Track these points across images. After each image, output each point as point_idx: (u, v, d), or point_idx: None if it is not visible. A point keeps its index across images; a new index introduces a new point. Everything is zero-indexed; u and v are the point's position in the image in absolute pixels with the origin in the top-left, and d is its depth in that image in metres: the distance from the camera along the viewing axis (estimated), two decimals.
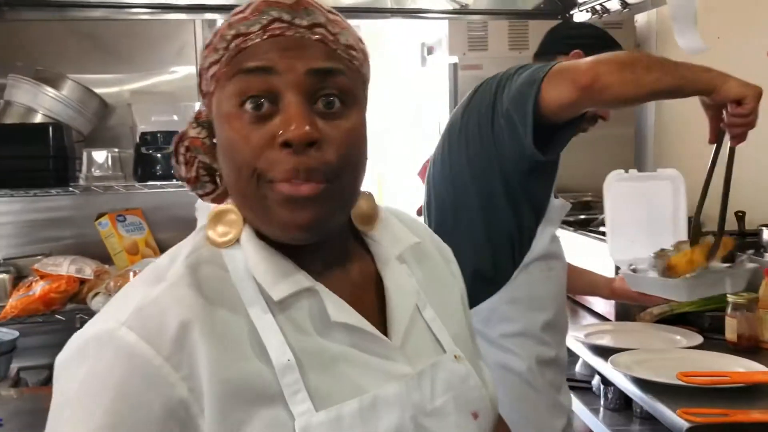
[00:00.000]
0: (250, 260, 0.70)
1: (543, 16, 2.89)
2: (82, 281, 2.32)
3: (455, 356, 0.79)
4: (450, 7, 2.83)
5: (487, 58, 2.85)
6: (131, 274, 2.25)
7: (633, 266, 1.71)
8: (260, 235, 0.72)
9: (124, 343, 0.64)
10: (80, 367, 0.65)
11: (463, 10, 2.86)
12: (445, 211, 1.62)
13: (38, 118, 2.31)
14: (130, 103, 2.51)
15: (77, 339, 0.68)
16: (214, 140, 0.74)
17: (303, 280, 0.71)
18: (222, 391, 0.64)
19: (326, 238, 0.73)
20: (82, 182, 2.29)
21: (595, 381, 2.04)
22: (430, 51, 3.26)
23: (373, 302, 0.78)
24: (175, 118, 2.46)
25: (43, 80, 2.33)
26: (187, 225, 2.36)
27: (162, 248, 2.60)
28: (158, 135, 2.33)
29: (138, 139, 2.35)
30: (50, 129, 2.23)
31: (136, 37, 2.60)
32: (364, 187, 0.76)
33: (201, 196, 0.80)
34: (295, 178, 0.66)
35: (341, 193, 0.70)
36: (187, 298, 0.66)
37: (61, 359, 0.68)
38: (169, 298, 0.66)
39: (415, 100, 4.18)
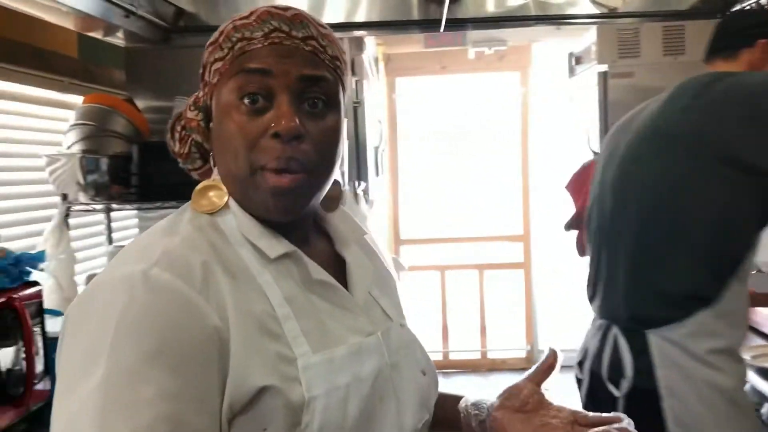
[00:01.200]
0: (243, 225, 0.83)
1: (700, 16, 2.70)
2: None
3: (401, 324, 0.93)
4: (598, 11, 2.73)
5: (639, 65, 2.72)
6: None
7: None
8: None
9: (160, 280, 0.72)
10: (115, 303, 0.71)
11: (612, 14, 2.74)
12: (655, 222, 1.55)
13: None
14: None
15: (98, 284, 0.75)
16: (210, 124, 0.85)
17: (289, 245, 0.83)
18: (243, 321, 0.75)
19: (299, 219, 0.85)
20: None
21: (765, 410, 1.86)
22: (578, 60, 3.16)
23: (335, 274, 0.88)
24: None
25: None
26: None
27: None
28: None
29: None
30: None
31: None
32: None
33: (189, 171, 0.92)
34: (279, 165, 0.79)
35: (317, 183, 0.83)
36: (204, 245, 0.79)
37: (81, 301, 0.75)
38: (189, 245, 0.78)
39: (561, 112, 4.07)
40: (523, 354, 5.10)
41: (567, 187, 2.90)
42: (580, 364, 1.75)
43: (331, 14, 2.70)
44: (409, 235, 5.19)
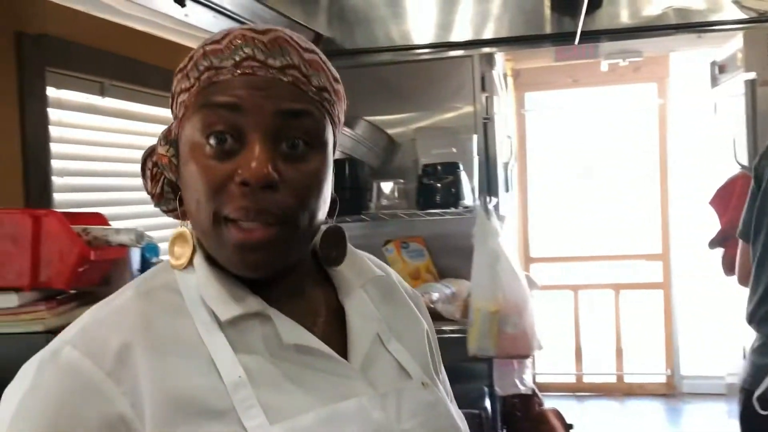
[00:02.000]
0: (200, 284, 0.71)
1: None
2: None
3: (423, 383, 0.78)
4: (745, 16, 2.58)
5: None
6: None
7: None
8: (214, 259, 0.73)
9: (66, 360, 0.65)
10: (20, 388, 0.65)
11: (761, 18, 2.58)
12: None
13: (337, 155, 2.58)
14: (414, 138, 2.69)
15: (24, 365, 0.69)
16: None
17: (254, 304, 0.71)
18: (167, 405, 0.63)
19: (282, 272, 0.73)
20: (372, 211, 2.49)
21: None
22: (721, 69, 3.00)
23: (334, 331, 0.77)
24: (454, 150, 2.58)
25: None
26: (464, 252, 2.45)
27: (441, 274, 2.72)
28: (438, 167, 2.46)
29: (420, 171, 2.51)
30: (347, 164, 2.47)
31: (419, 77, 2.79)
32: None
33: (165, 212, 0.80)
34: (247, 218, 0.67)
35: (295, 235, 0.70)
36: (130, 319, 0.68)
37: (7, 387, 0.68)
38: (114, 318, 0.69)
39: (703, 124, 3.86)
40: (662, 379, 4.84)
41: (711, 203, 2.74)
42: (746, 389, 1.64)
43: (460, 31, 2.73)
44: (539, 253, 5.09)
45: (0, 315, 1.40)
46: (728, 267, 2.54)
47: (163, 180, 0.77)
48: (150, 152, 0.79)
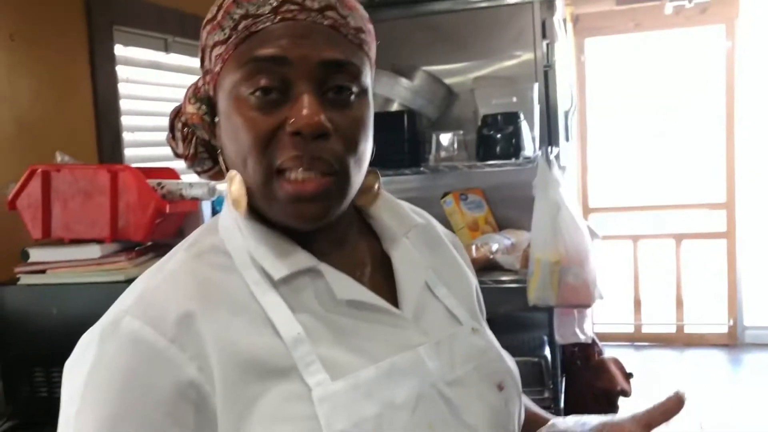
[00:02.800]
0: (249, 243, 0.70)
1: None
2: None
3: (473, 329, 0.77)
4: None
5: None
6: (473, 248, 2.40)
7: None
8: (261, 216, 0.71)
9: (128, 330, 0.63)
10: (84, 362, 0.64)
11: None
12: None
13: (395, 107, 2.58)
14: (473, 88, 2.66)
15: (83, 339, 0.68)
16: (216, 118, 0.72)
17: (304, 260, 0.70)
18: (232, 367, 0.62)
19: (330, 223, 0.71)
20: (431, 163, 2.50)
21: None
22: None
23: (381, 280, 0.76)
24: (514, 100, 2.54)
25: (399, 72, 2.60)
26: (524, 202, 2.44)
27: (500, 225, 2.72)
28: (498, 117, 2.43)
29: (480, 122, 2.49)
30: (405, 116, 2.47)
31: (477, 25, 2.74)
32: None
33: (199, 173, 0.78)
34: (301, 168, 0.65)
35: (347, 183, 0.69)
36: (187, 283, 0.67)
37: (67, 363, 0.68)
38: (169, 284, 0.67)
39: None
40: (724, 329, 4.76)
41: None
42: None
43: None
44: (598, 203, 5.01)
45: (84, 265, 1.48)
46: None
47: (195, 140, 0.75)
48: (178, 112, 0.76)
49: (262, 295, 0.67)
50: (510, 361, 0.81)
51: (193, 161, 0.77)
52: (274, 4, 0.66)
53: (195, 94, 0.73)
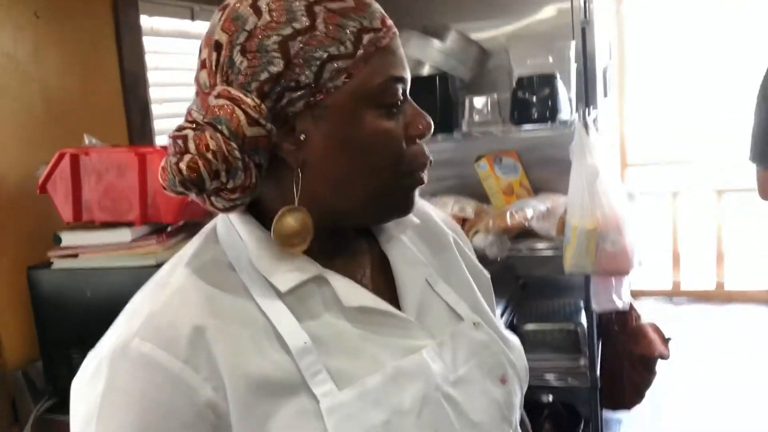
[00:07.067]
0: (252, 254, 0.69)
1: None
2: (464, 220, 2.50)
3: (474, 323, 0.77)
4: None
5: None
6: (508, 214, 2.35)
7: None
8: (258, 221, 0.71)
9: (139, 354, 0.62)
10: (96, 386, 0.63)
11: None
12: None
13: (426, 69, 2.51)
14: (507, 48, 2.57)
15: (90, 360, 0.66)
16: (285, 143, 0.66)
17: (310, 268, 0.70)
18: (244, 386, 0.62)
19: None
20: (464, 128, 2.43)
21: None
22: None
23: (382, 280, 0.76)
24: (550, 59, 2.45)
25: (430, 33, 2.52)
26: (560, 165, 2.37)
27: (536, 189, 2.66)
28: (534, 78, 2.35)
29: (514, 84, 2.41)
30: (437, 80, 2.41)
31: None
32: None
33: (225, 209, 0.68)
34: (426, 167, 0.72)
35: None
36: (194, 299, 0.65)
37: (75, 384, 0.67)
38: (177, 302, 0.65)
39: None
40: (767, 286, 4.66)
41: None
42: None
43: None
44: (637, 158, 4.89)
45: (116, 250, 1.48)
46: None
47: (252, 167, 0.66)
48: (228, 137, 0.63)
49: (269, 306, 0.67)
50: (514, 352, 0.81)
51: (248, 192, 0.67)
52: (378, 16, 0.68)
53: (257, 112, 0.64)
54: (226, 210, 0.69)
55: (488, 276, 0.92)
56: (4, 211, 1.61)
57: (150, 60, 2.07)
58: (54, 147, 1.56)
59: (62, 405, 1.57)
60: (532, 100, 2.33)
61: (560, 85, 2.34)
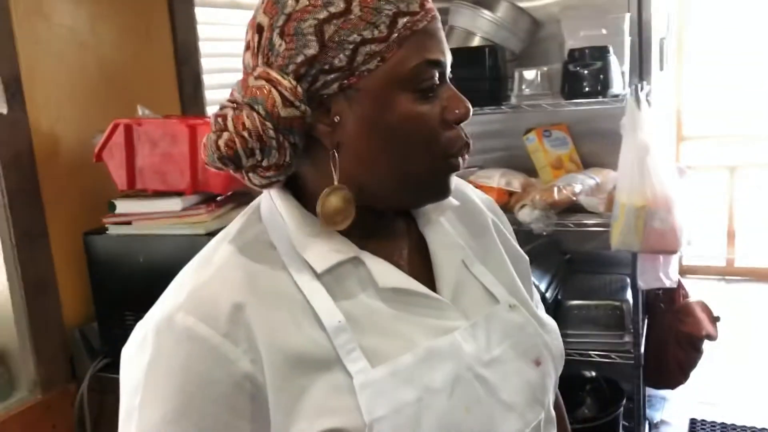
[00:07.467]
0: (292, 234, 0.71)
1: None
2: (511, 193, 2.49)
3: (510, 305, 0.78)
4: None
5: None
6: (555, 189, 2.33)
7: None
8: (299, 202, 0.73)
9: (183, 327, 0.65)
10: (143, 355, 0.66)
11: None
12: None
13: (476, 41, 2.48)
14: (559, 19, 2.52)
15: (138, 330, 0.70)
16: (320, 125, 0.68)
17: (347, 249, 0.71)
18: (280, 361, 0.65)
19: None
20: (513, 101, 2.41)
21: None
22: None
23: (420, 262, 0.77)
24: (604, 31, 2.39)
25: (481, 4, 2.48)
26: (612, 139, 2.33)
27: (585, 163, 2.62)
28: (586, 51, 2.30)
29: (566, 56, 2.36)
30: (486, 51, 2.38)
31: None
32: None
33: (261, 185, 0.71)
34: (465, 150, 0.72)
35: None
36: (235, 277, 0.68)
37: (125, 351, 0.71)
38: (219, 279, 0.68)
39: None
40: None
41: None
42: None
43: None
44: (694, 131, 4.75)
45: (167, 217, 1.53)
46: None
47: (287, 146, 0.68)
48: (264, 116, 0.66)
49: (306, 285, 0.69)
50: (551, 334, 0.81)
51: (287, 170, 0.70)
52: (419, 0, 0.68)
53: (293, 94, 0.66)
54: (262, 186, 0.72)
55: (527, 259, 0.92)
56: (63, 178, 1.68)
57: (202, 31, 2.10)
58: (109, 116, 1.61)
59: (116, 364, 1.63)
60: (583, 73, 2.28)
61: (613, 58, 2.29)
